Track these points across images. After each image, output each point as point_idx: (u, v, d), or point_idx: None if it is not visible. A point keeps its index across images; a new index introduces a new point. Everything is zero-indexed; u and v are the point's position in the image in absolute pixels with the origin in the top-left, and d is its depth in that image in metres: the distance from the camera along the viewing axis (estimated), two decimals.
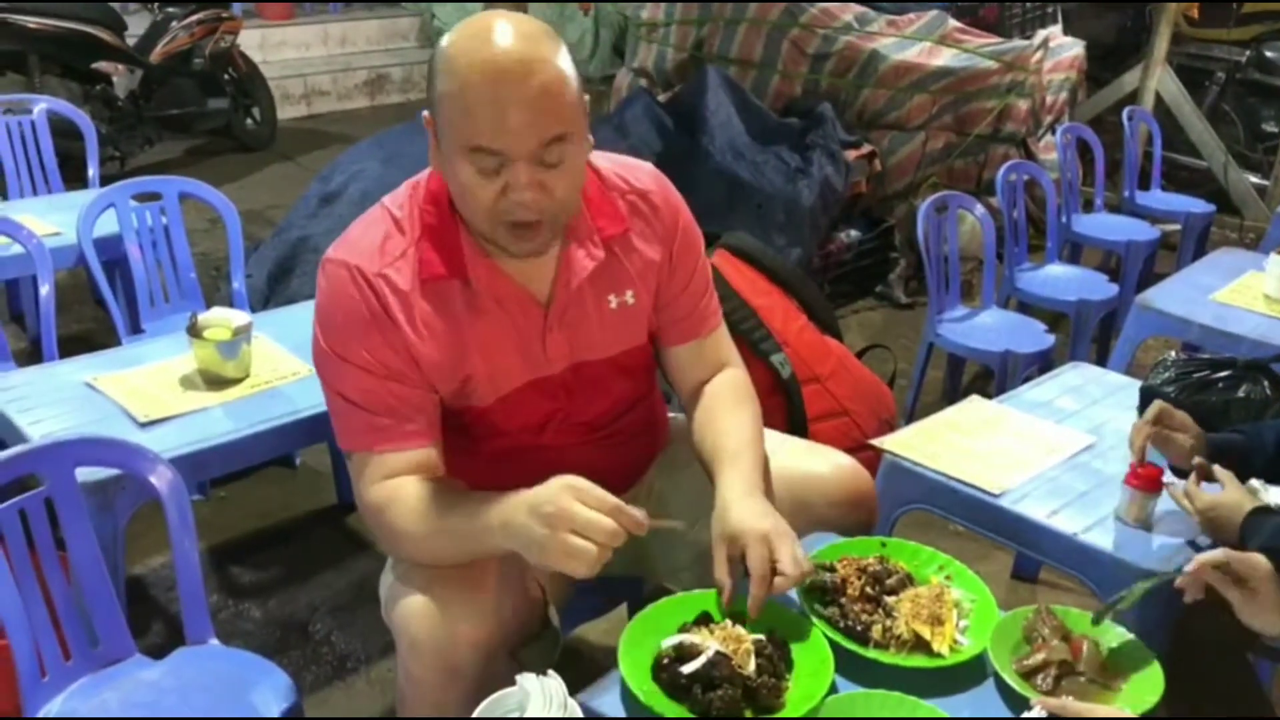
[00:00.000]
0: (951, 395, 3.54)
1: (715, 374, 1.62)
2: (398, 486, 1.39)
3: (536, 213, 1.34)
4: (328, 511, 2.73)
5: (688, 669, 1.29)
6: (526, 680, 1.19)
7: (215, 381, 2.00)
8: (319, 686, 2.16)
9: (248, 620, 2.34)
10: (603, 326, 1.53)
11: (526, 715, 1.16)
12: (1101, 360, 3.67)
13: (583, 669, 1.97)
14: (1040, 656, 1.35)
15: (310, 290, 3.25)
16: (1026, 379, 3.17)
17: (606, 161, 1.55)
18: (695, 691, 1.28)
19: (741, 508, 1.39)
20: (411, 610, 1.36)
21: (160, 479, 1.63)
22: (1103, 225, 4.12)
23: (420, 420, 1.42)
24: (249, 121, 5.89)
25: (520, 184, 1.31)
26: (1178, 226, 4.39)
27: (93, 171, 3.51)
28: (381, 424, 1.40)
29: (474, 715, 1.17)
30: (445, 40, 1.35)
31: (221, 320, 2.04)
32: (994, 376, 3.20)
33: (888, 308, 4.26)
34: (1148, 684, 1.31)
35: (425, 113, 1.39)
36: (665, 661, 1.32)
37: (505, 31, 1.31)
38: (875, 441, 1.92)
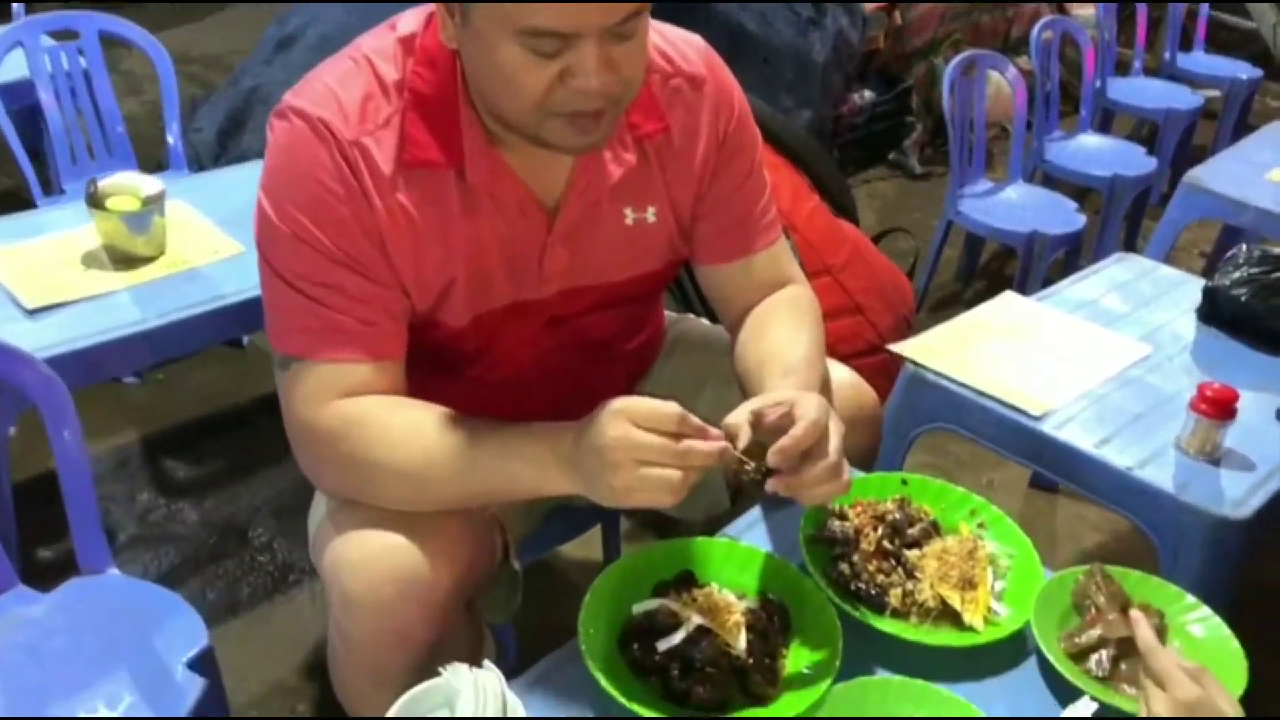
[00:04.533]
0: (967, 277, 3.28)
1: (769, 295, 1.31)
2: (367, 407, 1.09)
3: (603, 99, 1.02)
4: (276, 399, 2.47)
5: (663, 645, 1.05)
6: (455, 674, 0.94)
7: (124, 260, 1.71)
8: (257, 601, 1.94)
9: (180, 522, 2.11)
10: (613, 246, 1.22)
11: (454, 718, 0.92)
12: (1130, 243, 3.39)
13: (548, 600, 1.75)
14: (1095, 633, 1.11)
15: (263, 147, 2.91)
16: (1053, 263, 2.91)
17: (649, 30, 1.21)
18: (672, 675, 1.04)
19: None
20: (347, 559, 1.08)
21: (37, 383, 1.36)
22: (1140, 91, 3.77)
23: (389, 326, 1.12)
24: None
25: (588, 68, 0.99)
26: (1219, 93, 4.03)
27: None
28: (340, 324, 1.09)
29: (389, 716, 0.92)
30: None
31: (129, 187, 1.73)
32: (1016, 257, 2.92)
33: (900, 178, 3.95)
34: (1227, 676, 1.07)
35: None
36: (635, 631, 1.08)
37: None
38: (894, 347, 1.65)
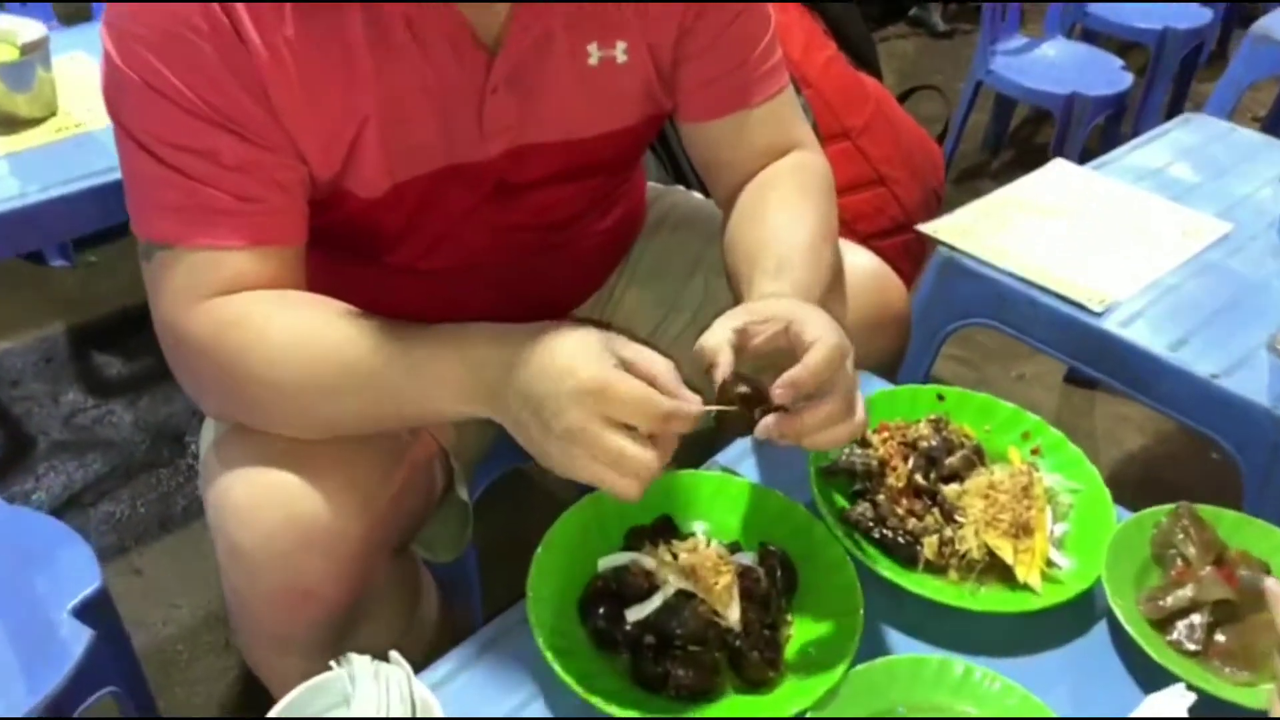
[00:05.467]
0: (995, 146, 2.97)
1: (771, 162, 1.04)
2: (246, 306, 0.84)
3: None
4: None
5: (634, 615, 0.82)
6: (354, 669, 0.71)
7: (3, 122, 1.44)
8: (192, 517, 1.73)
9: (110, 425, 1.88)
10: (573, 93, 0.94)
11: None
12: (1175, 108, 3.08)
13: (521, 516, 1.53)
14: (1184, 593, 0.88)
15: None
16: (1091, 131, 2.62)
17: None
18: (645, 653, 0.81)
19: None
20: (233, 503, 0.84)
21: None
22: None
23: (278, 201, 0.86)
24: None
25: None
26: None
27: None
28: (213, 200, 0.83)
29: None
30: None
31: (6, 33, 1.44)
32: (1050, 124, 2.62)
33: (922, 36, 3.62)
34: None
35: None
36: (600, 594, 0.85)
37: None
38: (924, 227, 1.38)
